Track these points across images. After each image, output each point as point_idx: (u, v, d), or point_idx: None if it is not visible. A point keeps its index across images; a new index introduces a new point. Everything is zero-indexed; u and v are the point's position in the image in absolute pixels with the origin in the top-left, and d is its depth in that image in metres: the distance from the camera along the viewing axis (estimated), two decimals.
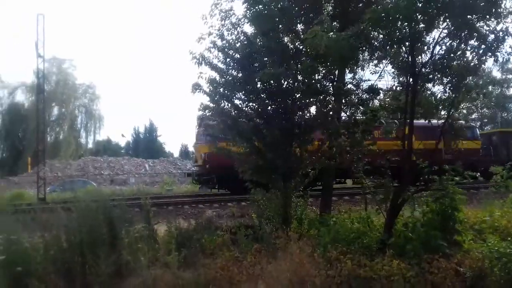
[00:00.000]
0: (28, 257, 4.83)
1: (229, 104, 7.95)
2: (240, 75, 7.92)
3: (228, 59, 7.88)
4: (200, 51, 7.86)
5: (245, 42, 7.98)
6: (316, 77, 7.94)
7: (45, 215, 5.35)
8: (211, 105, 7.92)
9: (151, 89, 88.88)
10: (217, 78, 7.82)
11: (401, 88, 7.39)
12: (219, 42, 7.98)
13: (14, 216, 5.16)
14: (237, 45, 7.96)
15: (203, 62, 7.71)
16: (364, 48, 6.41)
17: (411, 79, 6.66)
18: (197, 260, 6.01)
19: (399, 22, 5.92)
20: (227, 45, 7.92)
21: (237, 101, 7.99)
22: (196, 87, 7.82)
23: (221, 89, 7.79)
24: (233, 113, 7.99)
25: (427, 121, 7.12)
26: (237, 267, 5.91)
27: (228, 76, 7.87)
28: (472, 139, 18.70)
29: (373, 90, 7.68)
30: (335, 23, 7.72)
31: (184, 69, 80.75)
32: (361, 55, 7.32)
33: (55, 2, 69.52)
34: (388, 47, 6.49)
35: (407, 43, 6.33)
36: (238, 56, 7.89)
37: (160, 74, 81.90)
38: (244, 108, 8.04)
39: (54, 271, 4.80)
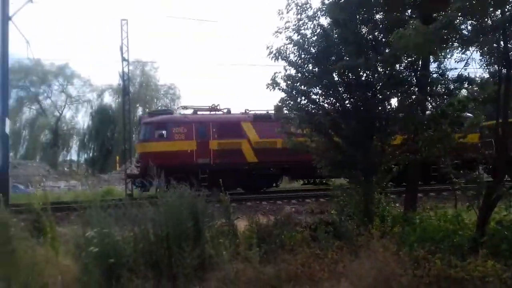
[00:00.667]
0: (119, 249, 5.09)
1: (306, 99, 7.85)
2: (316, 69, 7.78)
3: (304, 54, 7.78)
4: (277, 46, 7.86)
5: (322, 35, 7.81)
6: (398, 68, 7.61)
7: (134, 210, 5.61)
8: (289, 101, 7.87)
9: (227, 87, 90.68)
10: (293, 73, 7.76)
11: (491, 77, 6.87)
12: (295, 37, 7.92)
13: (106, 211, 5.45)
14: (313, 38, 7.84)
15: (279, 57, 7.68)
16: (453, 39, 6.03)
17: (504, 68, 6.15)
18: (277, 255, 6.01)
19: (491, 8, 5.48)
20: (303, 39, 7.81)
21: (314, 96, 7.87)
22: (273, 84, 7.83)
23: (298, 84, 7.71)
24: (310, 108, 7.89)
25: None
26: (318, 264, 5.82)
27: (304, 71, 7.77)
28: None
29: (462, 79, 7.18)
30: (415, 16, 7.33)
31: (255, 67, 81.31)
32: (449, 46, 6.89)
33: (136, 5, 73.17)
34: (479, 36, 6.04)
35: (500, 30, 5.85)
36: (314, 50, 7.75)
37: (236, 71, 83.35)
38: (321, 103, 7.90)
39: (144, 263, 5.03)
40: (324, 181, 19.04)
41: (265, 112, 18.86)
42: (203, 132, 17.67)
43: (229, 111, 20.11)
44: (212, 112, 19.64)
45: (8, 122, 10.34)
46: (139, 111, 44.14)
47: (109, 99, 45.37)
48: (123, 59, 20.74)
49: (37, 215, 6.44)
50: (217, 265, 5.68)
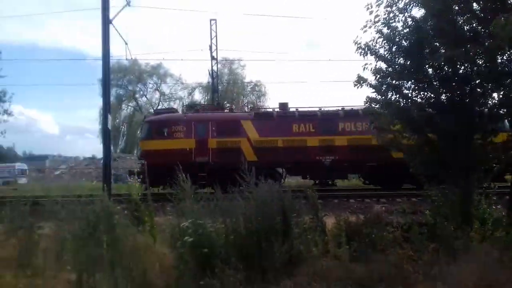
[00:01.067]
0: (212, 240, 5.29)
1: (397, 95, 7.55)
2: (408, 63, 7.44)
3: (395, 47, 7.48)
4: (366, 41, 7.65)
5: (414, 27, 7.45)
6: (500, 59, 7.04)
7: (225, 203, 5.79)
8: (378, 97, 7.63)
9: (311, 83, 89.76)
10: (384, 67, 7.50)
11: None
12: (385, 30, 7.64)
13: (199, 203, 5.68)
14: (405, 31, 7.51)
15: (368, 51, 7.47)
16: None
17: None
18: (368, 255, 5.87)
19: None
20: (393, 32, 7.50)
21: (405, 91, 7.54)
22: (361, 80, 7.63)
23: (388, 79, 7.44)
24: (402, 103, 7.57)
25: None
26: (411, 266, 5.61)
27: (395, 65, 7.47)
28: None
29: None
30: None
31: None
32: None
33: (224, 3, 75.22)
34: None
35: None
36: (406, 43, 7.42)
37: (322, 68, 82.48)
38: (413, 98, 7.55)
39: (235, 254, 5.17)
40: (330, 182, 18.72)
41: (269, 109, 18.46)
42: (202, 131, 17.54)
43: (231, 110, 20.13)
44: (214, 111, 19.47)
45: (109, 118, 11.16)
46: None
47: (199, 96, 47.32)
48: (212, 58, 21.47)
49: (136, 204, 6.89)
50: (306, 261, 5.70)
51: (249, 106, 47.04)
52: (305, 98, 77.88)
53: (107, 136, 10.78)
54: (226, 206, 5.67)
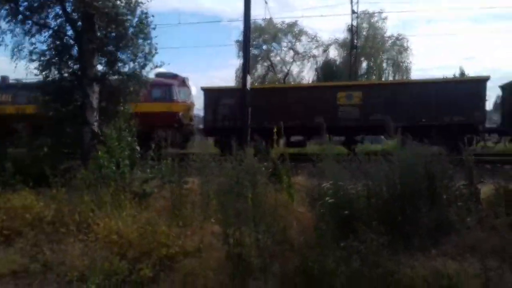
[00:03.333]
0: (353, 203, 5.15)
1: None
2: None
3: None
4: None
5: None
6: None
7: (367, 165, 5.56)
8: None
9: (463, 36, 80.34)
10: None
11: None
12: None
13: (341, 164, 5.55)
14: None
15: None
16: None
17: None
18: None
19: None
20: None
21: None
22: None
23: None
24: None
25: None
26: None
27: None
28: None
29: None
30: None
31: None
32: None
33: None
34: None
35: None
36: None
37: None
38: None
39: (377, 218, 4.96)
40: None
41: None
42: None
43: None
44: None
45: (249, 78, 11.45)
46: (364, 65, 43.55)
47: (334, 53, 45.78)
48: (353, 12, 20.55)
49: (274, 164, 7.03)
50: (455, 231, 5.25)
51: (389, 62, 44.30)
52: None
53: (246, 96, 11.10)
54: (368, 168, 5.44)
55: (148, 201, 6.97)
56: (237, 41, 42.73)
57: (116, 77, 10.64)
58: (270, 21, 40.55)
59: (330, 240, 4.62)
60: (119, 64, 10.53)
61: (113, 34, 10.34)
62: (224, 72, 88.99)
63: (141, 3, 10.37)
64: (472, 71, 66.39)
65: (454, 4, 68.39)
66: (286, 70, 47.80)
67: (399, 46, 43.23)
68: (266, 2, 15.34)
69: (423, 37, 76.01)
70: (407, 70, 43.37)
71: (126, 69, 10.61)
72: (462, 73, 51.58)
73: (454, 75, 51.75)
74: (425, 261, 4.50)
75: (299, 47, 47.06)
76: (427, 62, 74.37)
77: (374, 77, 41.90)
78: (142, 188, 7.29)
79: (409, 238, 5.03)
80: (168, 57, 74.32)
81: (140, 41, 10.41)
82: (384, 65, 44.01)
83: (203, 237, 5.46)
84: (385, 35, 43.12)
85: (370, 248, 4.29)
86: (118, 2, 10.04)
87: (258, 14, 64.24)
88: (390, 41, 43.56)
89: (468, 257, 4.59)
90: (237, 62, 49.77)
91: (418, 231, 5.00)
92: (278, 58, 48.61)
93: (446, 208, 5.30)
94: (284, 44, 47.52)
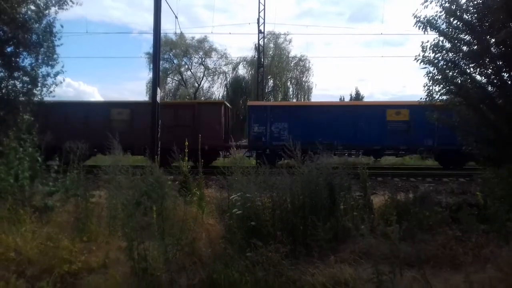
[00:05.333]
0: (259, 214, 5.37)
1: (456, 71, 7.25)
2: (469, 38, 7.09)
3: (456, 21, 7.13)
4: (425, 14, 7.35)
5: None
6: None
7: (272, 178, 5.83)
8: (437, 74, 7.36)
9: (359, 59, 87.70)
10: (443, 43, 7.20)
11: None
12: (446, 5, 7.29)
13: (247, 177, 5.75)
14: (468, 3, 7.12)
15: (428, 26, 7.16)
16: None
17: None
18: (415, 234, 5.78)
19: None
20: (455, 5, 7.14)
21: (465, 67, 7.23)
22: (421, 57, 7.41)
23: (447, 54, 7.14)
24: (460, 80, 7.27)
25: None
26: (461, 246, 5.48)
27: (456, 41, 7.15)
28: None
29: None
30: None
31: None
32: None
33: None
34: None
35: None
36: (468, 16, 7.05)
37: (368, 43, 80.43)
38: (472, 74, 7.22)
39: (280, 229, 5.23)
40: None
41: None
42: None
43: None
44: None
45: (159, 91, 11.35)
46: (270, 83, 45.20)
47: (243, 71, 47.31)
48: (259, 32, 21.30)
49: (185, 176, 7.07)
50: (351, 238, 5.68)
51: (293, 82, 46.57)
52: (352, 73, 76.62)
53: (155, 109, 10.99)
54: (273, 181, 5.71)
55: (50, 216, 6.63)
56: (148, 54, 42.34)
57: (14, 83, 10.00)
58: (181, 35, 40.75)
59: (236, 251, 4.79)
60: (19, 73, 9.90)
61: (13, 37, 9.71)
62: (135, 84, 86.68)
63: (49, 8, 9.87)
64: (366, 92, 71.68)
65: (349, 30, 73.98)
66: (197, 85, 48.26)
67: (302, 66, 45.79)
68: (176, 17, 15.41)
69: (323, 58, 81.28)
70: (308, 89, 46.00)
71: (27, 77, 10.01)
72: (358, 94, 55.76)
73: (351, 95, 55.84)
74: (325, 268, 4.78)
75: (210, 63, 48.06)
76: (327, 83, 79.17)
77: (280, 95, 43.94)
78: (44, 202, 6.92)
79: (310, 247, 5.34)
80: (77, 67, 70.64)
81: (43, 49, 9.92)
82: (289, 83, 46.20)
83: (108, 252, 5.33)
84: (289, 55, 45.37)
85: (273, 258, 4.52)
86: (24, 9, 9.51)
87: (168, 28, 64.01)
88: (293, 62, 45.91)
89: (362, 262, 4.98)
90: (148, 75, 49.26)
91: (319, 240, 5.33)
92: (189, 72, 48.91)
93: (343, 217, 5.73)
94: (195, 59, 48.09)
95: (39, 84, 10.02)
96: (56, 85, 10.26)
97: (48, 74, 10.05)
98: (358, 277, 4.54)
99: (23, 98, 9.78)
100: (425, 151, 20.14)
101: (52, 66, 10.10)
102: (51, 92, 10.29)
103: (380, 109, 20.41)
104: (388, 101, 24.64)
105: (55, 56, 10.06)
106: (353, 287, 4.43)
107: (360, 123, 20.07)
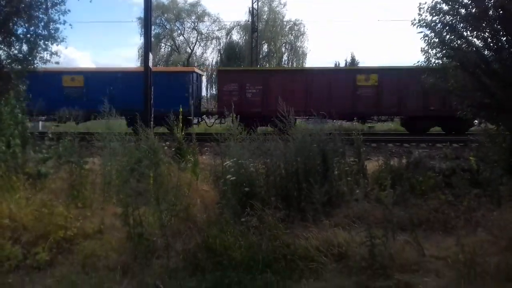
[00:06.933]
0: (253, 180, 5.38)
1: (453, 34, 7.14)
2: (466, 0, 6.95)
3: None
4: None
5: None
6: None
7: (267, 144, 5.81)
8: (434, 37, 7.25)
9: (354, 23, 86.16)
10: (440, 6, 7.06)
11: None
12: None
13: (241, 144, 5.74)
14: None
15: None
16: None
17: None
18: (407, 199, 5.84)
19: None
20: None
21: (462, 30, 7.11)
22: (417, 21, 7.29)
23: (445, 17, 7.01)
24: (456, 43, 7.17)
25: None
26: (453, 211, 5.55)
27: (453, 3, 7.01)
28: None
29: None
30: None
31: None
32: None
33: None
34: None
35: None
36: None
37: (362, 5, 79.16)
38: (469, 37, 7.11)
39: (275, 194, 5.25)
40: None
41: None
42: None
43: None
44: None
45: (151, 56, 11.14)
46: (265, 48, 44.59)
47: (236, 36, 46.57)
48: None
49: (179, 143, 7.04)
50: (345, 203, 5.73)
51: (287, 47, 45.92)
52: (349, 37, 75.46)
53: (148, 74, 10.81)
54: (267, 147, 5.70)
55: (44, 183, 6.61)
56: (139, 18, 41.42)
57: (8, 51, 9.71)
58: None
59: (231, 216, 4.83)
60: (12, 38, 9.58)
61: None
62: (128, 50, 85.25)
63: None
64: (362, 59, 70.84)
65: None
66: (190, 51, 47.50)
67: (296, 31, 45.05)
68: None
69: (319, 23, 79.71)
70: (303, 55, 45.40)
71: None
72: (353, 60, 55.32)
73: (346, 61, 55.41)
74: (318, 232, 4.83)
75: (203, 28, 47.21)
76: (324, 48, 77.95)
77: (274, 60, 43.44)
78: (37, 169, 6.89)
79: (304, 212, 5.39)
80: (66, 32, 69.04)
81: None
82: (283, 49, 45.56)
83: (104, 218, 5.35)
84: (284, 19, 44.56)
85: (267, 223, 4.57)
86: None
87: None
88: (288, 26, 45.15)
89: (356, 227, 5.04)
90: (140, 40, 48.34)
91: (313, 204, 5.38)
92: (181, 38, 48.08)
93: (337, 182, 5.76)
94: (188, 24, 47.18)
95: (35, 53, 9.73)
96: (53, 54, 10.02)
97: (46, 48, 9.76)
98: (352, 241, 4.61)
99: (18, 66, 9.54)
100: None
101: (54, 39, 9.80)
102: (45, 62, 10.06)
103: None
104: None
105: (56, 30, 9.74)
106: (346, 250, 4.49)
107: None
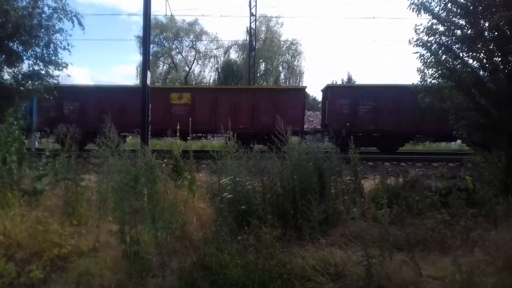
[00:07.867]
0: (250, 198, 5.37)
1: (448, 54, 7.23)
2: (463, 21, 7.06)
3: (450, 4, 7.08)
4: None
5: None
6: None
7: (263, 162, 5.81)
8: (430, 57, 7.34)
9: (351, 43, 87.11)
10: (436, 26, 7.16)
11: None
12: None
13: (239, 162, 5.73)
14: None
15: (421, 8, 7.11)
16: None
17: None
18: (404, 218, 5.83)
19: None
20: None
21: (458, 51, 7.21)
22: (414, 40, 7.38)
23: (441, 38, 7.11)
24: (451, 63, 7.25)
25: None
26: (449, 230, 5.54)
27: (449, 24, 7.11)
28: None
29: None
30: None
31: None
32: None
33: None
34: None
35: None
36: (463, 0, 7.00)
37: (359, 27, 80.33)
38: (464, 58, 7.20)
39: (271, 212, 5.24)
40: None
41: None
42: None
43: None
44: None
45: (149, 74, 11.19)
46: (262, 66, 44.94)
47: (234, 55, 46.99)
48: (251, 14, 21.06)
49: (176, 160, 7.03)
50: (342, 222, 5.71)
51: (284, 66, 46.28)
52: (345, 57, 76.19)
53: (146, 92, 10.86)
54: (263, 165, 5.70)
55: (39, 200, 6.57)
56: (138, 37, 41.90)
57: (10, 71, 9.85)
58: (171, 18, 40.28)
59: (227, 234, 4.80)
60: (13, 57, 9.69)
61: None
62: (126, 68, 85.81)
63: None
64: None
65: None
66: (188, 69, 47.88)
67: (293, 50, 45.57)
68: None
69: (316, 43, 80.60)
70: (300, 74, 45.83)
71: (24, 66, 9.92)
72: (349, 79, 55.91)
73: (342, 80, 55.99)
74: (315, 251, 4.81)
75: (201, 46, 47.70)
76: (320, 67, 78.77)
77: (272, 79, 43.83)
78: (33, 186, 6.85)
79: (301, 230, 5.37)
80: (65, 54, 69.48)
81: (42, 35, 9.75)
82: (280, 68, 46.00)
83: (99, 236, 5.31)
84: (281, 38, 45.10)
85: (263, 241, 4.54)
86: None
87: (158, 10, 62.87)
88: (285, 45, 45.65)
89: (353, 246, 5.02)
90: (138, 58, 48.77)
91: (309, 223, 5.36)
92: (180, 56, 48.47)
93: (334, 201, 5.75)
94: (186, 43, 47.68)
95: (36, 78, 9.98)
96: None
97: (47, 74, 10.02)
98: (349, 260, 4.58)
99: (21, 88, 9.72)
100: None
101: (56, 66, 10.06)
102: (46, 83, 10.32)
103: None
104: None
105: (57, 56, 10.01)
106: (343, 269, 4.45)
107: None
